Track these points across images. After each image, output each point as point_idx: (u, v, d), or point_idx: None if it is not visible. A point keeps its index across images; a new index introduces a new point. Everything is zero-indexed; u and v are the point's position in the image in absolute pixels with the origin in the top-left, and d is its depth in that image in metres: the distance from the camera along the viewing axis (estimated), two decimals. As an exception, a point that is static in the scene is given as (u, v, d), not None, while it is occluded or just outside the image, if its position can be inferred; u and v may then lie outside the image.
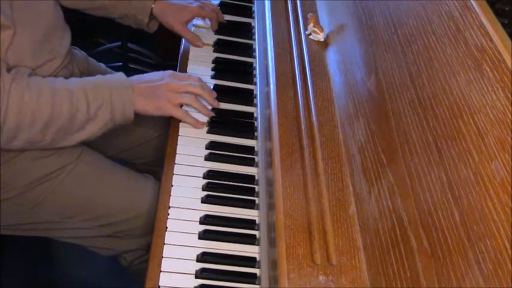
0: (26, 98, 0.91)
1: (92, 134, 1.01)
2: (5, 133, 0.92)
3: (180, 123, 1.08)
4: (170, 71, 1.09)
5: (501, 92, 0.64)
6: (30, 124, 0.93)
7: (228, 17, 1.37)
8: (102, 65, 1.35)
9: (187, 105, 1.07)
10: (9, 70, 0.93)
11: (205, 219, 0.93)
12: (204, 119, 1.09)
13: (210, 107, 1.10)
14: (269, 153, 0.91)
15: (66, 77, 1.02)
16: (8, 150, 1.01)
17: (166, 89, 1.04)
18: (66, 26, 1.13)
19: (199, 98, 1.08)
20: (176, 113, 1.06)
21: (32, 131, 0.94)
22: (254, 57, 1.26)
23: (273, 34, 1.11)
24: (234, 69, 1.24)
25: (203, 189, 0.98)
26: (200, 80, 1.10)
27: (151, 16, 1.25)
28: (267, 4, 1.21)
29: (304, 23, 1.12)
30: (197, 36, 1.26)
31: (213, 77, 1.20)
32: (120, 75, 1.04)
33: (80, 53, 1.26)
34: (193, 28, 1.30)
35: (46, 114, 0.94)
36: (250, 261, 0.89)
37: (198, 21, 1.33)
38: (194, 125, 1.08)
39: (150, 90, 1.03)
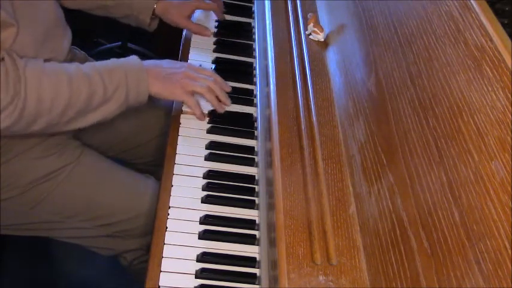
0: (45, 83, 0.92)
1: (106, 116, 1.02)
2: (25, 118, 0.92)
3: (180, 124, 1.08)
4: (187, 63, 1.12)
5: (501, 92, 0.64)
6: (49, 109, 0.94)
7: (228, 17, 1.37)
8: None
9: (199, 94, 1.08)
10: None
11: (205, 219, 0.93)
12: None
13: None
14: (269, 153, 0.91)
15: None
16: (22, 140, 1.02)
17: (182, 76, 1.06)
18: (67, 26, 1.13)
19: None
20: (188, 99, 1.07)
21: (51, 115, 0.95)
22: (254, 57, 1.26)
23: (273, 34, 1.11)
24: (234, 69, 1.24)
25: (203, 189, 0.98)
26: (215, 74, 1.11)
27: (153, 15, 1.26)
28: (267, 4, 1.21)
29: (304, 23, 1.12)
30: (203, 27, 1.28)
31: (213, 77, 1.19)
32: (134, 58, 1.05)
33: (79, 53, 1.26)
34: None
35: (65, 99, 0.94)
36: (250, 261, 0.89)
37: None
38: (199, 117, 1.09)
39: (166, 76, 1.05)
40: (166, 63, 1.08)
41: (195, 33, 1.28)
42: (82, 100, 0.97)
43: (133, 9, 1.24)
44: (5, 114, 0.90)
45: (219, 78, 1.12)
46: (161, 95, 1.06)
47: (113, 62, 1.03)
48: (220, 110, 1.10)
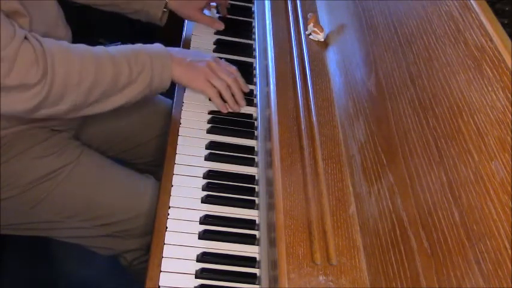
0: (72, 59, 0.93)
1: (129, 99, 1.02)
2: (53, 95, 0.92)
3: (180, 124, 1.08)
4: (211, 55, 1.14)
5: (501, 92, 0.64)
6: (77, 85, 0.94)
7: (228, 17, 1.37)
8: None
9: (218, 88, 1.09)
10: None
11: (205, 219, 0.93)
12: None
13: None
14: (269, 153, 0.91)
15: None
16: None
17: (205, 66, 1.08)
18: (67, 25, 1.13)
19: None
20: (208, 89, 1.08)
21: (78, 92, 0.95)
22: (254, 57, 1.26)
23: (273, 34, 1.11)
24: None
25: (203, 189, 0.98)
26: (237, 72, 1.13)
27: (164, 9, 1.28)
28: (267, 4, 1.21)
29: (304, 23, 1.12)
30: (215, 19, 1.31)
31: (213, 77, 1.20)
32: (159, 45, 1.07)
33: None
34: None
35: (91, 76, 0.95)
36: (250, 261, 0.89)
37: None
38: (221, 108, 1.10)
39: (190, 63, 1.07)
40: (190, 52, 1.12)
41: (208, 25, 1.30)
42: (108, 79, 0.97)
43: (145, 4, 1.26)
44: (33, 92, 0.90)
45: (240, 77, 1.13)
46: (182, 81, 1.08)
47: (138, 46, 1.05)
48: (236, 109, 1.11)
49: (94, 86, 0.96)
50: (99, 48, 1.00)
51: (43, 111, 0.94)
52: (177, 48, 1.11)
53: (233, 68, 1.13)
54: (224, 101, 1.11)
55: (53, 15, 1.06)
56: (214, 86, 1.09)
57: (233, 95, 1.11)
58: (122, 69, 0.99)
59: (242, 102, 1.12)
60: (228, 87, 1.10)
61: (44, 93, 0.91)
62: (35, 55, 0.89)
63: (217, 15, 1.36)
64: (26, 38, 0.90)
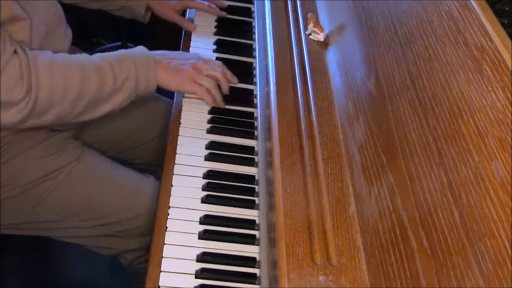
0: (56, 73, 0.93)
1: (116, 106, 1.03)
2: (38, 108, 0.93)
3: (181, 124, 1.08)
4: (196, 54, 1.14)
5: (501, 92, 0.64)
6: (61, 98, 0.94)
7: (228, 17, 1.37)
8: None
9: (206, 87, 1.09)
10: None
11: (205, 219, 0.93)
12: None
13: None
14: (269, 153, 0.91)
15: None
16: (38, 128, 1.03)
17: (191, 68, 1.08)
18: (68, 26, 1.13)
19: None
20: (197, 90, 1.08)
21: (63, 105, 0.95)
22: (254, 57, 1.26)
23: (273, 34, 1.11)
24: (234, 69, 1.23)
25: (203, 189, 0.98)
26: (223, 66, 1.13)
27: (147, 8, 1.31)
28: (267, 4, 1.21)
29: (304, 23, 1.12)
30: (189, 21, 1.31)
31: (213, 77, 1.20)
32: (142, 49, 1.07)
33: (79, 53, 1.26)
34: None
35: (76, 89, 0.95)
36: (250, 261, 0.89)
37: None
38: (212, 103, 1.10)
39: (175, 67, 1.07)
40: (174, 54, 1.10)
41: (181, 26, 1.31)
42: (93, 90, 0.97)
43: (129, 2, 1.28)
44: (18, 108, 0.91)
45: (227, 70, 1.13)
46: (169, 87, 1.07)
47: (121, 52, 1.04)
48: (223, 105, 1.11)
49: (79, 98, 0.96)
50: (84, 57, 1.00)
51: (29, 123, 0.95)
52: (160, 52, 1.10)
53: (219, 62, 1.14)
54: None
55: (53, 15, 1.07)
56: (204, 86, 1.09)
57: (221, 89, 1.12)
58: (107, 78, 0.98)
59: (225, 96, 1.12)
60: (216, 84, 1.10)
61: (29, 108, 0.91)
62: (20, 71, 0.90)
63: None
64: (15, 51, 0.91)
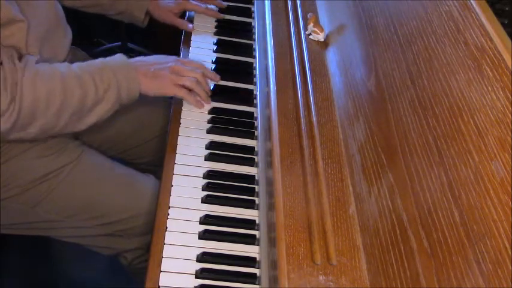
0: (39, 85, 0.94)
1: (101, 116, 1.03)
2: (21, 120, 0.94)
3: (180, 124, 1.08)
4: (174, 56, 1.12)
5: (501, 92, 0.64)
6: (44, 110, 0.95)
7: (228, 17, 1.37)
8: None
9: (188, 87, 1.09)
10: (19, 58, 0.95)
11: (205, 219, 0.93)
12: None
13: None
14: (269, 153, 0.91)
15: None
16: (22, 141, 1.03)
17: (170, 71, 1.07)
18: (68, 26, 1.13)
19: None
20: (179, 92, 1.08)
21: (47, 117, 0.96)
22: (254, 57, 1.26)
23: (273, 34, 1.11)
24: (234, 69, 1.24)
25: (203, 189, 0.98)
26: (202, 66, 1.13)
27: (146, 12, 1.31)
28: (267, 4, 1.21)
29: (304, 23, 1.12)
30: (185, 21, 1.31)
31: (213, 77, 1.20)
32: (121, 57, 1.06)
33: (80, 53, 1.27)
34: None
35: (59, 100, 0.96)
36: (250, 261, 0.89)
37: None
38: (196, 104, 1.10)
39: (155, 72, 1.06)
40: (153, 59, 1.09)
41: (179, 27, 1.31)
42: (75, 101, 0.98)
43: (128, 7, 1.28)
44: (5, 117, 0.91)
45: (207, 69, 1.13)
46: (151, 92, 1.07)
47: (100, 61, 1.04)
48: (207, 103, 1.11)
49: (63, 109, 0.97)
50: (65, 68, 1.00)
51: (12, 136, 0.96)
52: (138, 58, 1.09)
53: (198, 63, 1.13)
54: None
55: (53, 15, 1.07)
56: (186, 87, 1.08)
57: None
58: (88, 88, 0.99)
59: (208, 93, 1.12)
60: (199, 82, 1.10)
61: (12, 120, 0.92)
62: (5, 83, 0.90)
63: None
64: (0, 63, 0.91)
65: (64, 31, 1.11)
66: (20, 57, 0.97)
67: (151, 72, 1.06)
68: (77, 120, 1.01)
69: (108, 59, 1.05)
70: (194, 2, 1.34)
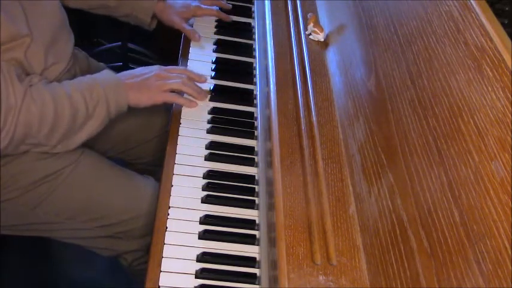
0: (33, 109, 0.95)
1: (91, 132, 1.04)
2: (14, 141, 0.95)
3: (180, 124, 1.08)
4: (157, 66, 1.13)
5: (501, 92, 0.64)
6: (36, 131, 0.97)
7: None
8: (103, 64, 1.36)
9: (177, 90, 1.09)
10: (19, 77, 0.96)
11: (205, 219, 0.93)
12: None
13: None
14: (269, 153, 0.91)
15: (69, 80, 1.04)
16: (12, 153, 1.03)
17: (155, 79, 1.08)
18: (71, 30, 1.14)
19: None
20: (167, 97, 1.08)
21: (38, 136, 0.98)
22: (254, 57, 1.26)
23: (273, 34, 1.11)
24: (234, 69, 1.24)
25: (203, 189, 0.97)
26: (186, 71, 1.13)
27: (153, 15, 1.29)
28: (267, 4, 1.21)
29: (304, 23, 1.12)
30: (194, 31, 1.29)
31: (213, 77, 1.20)
32: (108, 73, 1.08)
33: (80, 53, 1.27)
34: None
35: (50, 120, 0.97)
36: (250, 261, 0.89)
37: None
38: (188, 104, 1.10)
39: (141, 83, 1.07)
40: (137, 71, 1.10)
41: (187, 35, 1.29)
42: (66, 121, 0.99)
43: (134, 9, 1.27)
44: (4, 132, 0.92)
45: (192, 72, 1.13)
46: (141, 103, 1.07)
47: (89, 78, 1.05)
48: (201, 98, 1.11)
49: (53, 129, 0.98)
50: (56, 88, 1.00)
51: (11, 150, 0.98)
52: (123, 73, 1.10)
53: (181, 68, 1.14)
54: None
55: (57, 21, 1.08)
56: (175, 89, 1.09)
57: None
58: (78, 106, 1.00)
59: (202, 94, 1.12)
60: (186, 83, 1.09)
61: (7, 141, 0.94)
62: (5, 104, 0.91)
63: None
64: None
65: (68, 35, 1.12)
66: (25, 73, 0.99)
67: (136, 84, 1.07)
68: (67, 138, 1.02)
69: (97, 75, 1.06)
70: (204, 7, 1.32)
